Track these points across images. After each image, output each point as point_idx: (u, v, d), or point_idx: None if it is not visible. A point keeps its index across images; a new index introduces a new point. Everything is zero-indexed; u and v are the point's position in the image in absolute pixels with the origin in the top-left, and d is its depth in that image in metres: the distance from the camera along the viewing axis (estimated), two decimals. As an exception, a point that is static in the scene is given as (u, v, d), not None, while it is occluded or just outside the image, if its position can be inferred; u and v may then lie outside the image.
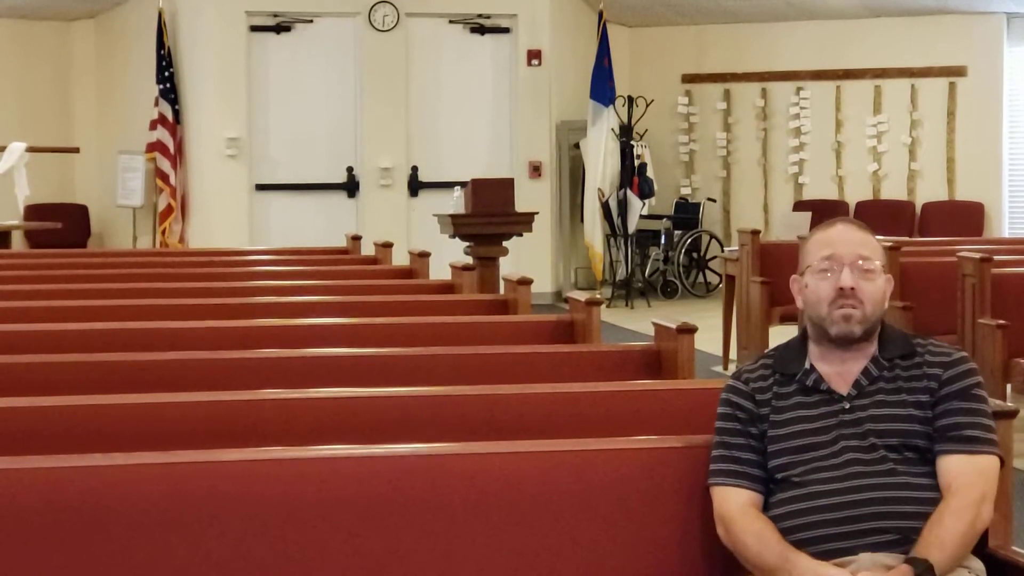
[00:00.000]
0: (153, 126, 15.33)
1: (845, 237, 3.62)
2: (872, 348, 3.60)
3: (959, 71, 16.37)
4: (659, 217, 16.60)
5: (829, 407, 3.55)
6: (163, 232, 15.28)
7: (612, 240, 16.01)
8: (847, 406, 3.53)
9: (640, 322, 13.23)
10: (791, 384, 3.61)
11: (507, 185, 10.98)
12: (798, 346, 3.67)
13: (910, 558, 3.30)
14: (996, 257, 8.65)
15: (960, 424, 3.47)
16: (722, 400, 3.67)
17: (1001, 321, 8.13)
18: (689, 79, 17.45)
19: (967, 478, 3.41)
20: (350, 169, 15.66)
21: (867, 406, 3.52)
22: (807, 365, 3.62)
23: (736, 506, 3.52)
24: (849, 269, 3.57)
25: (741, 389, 3.64)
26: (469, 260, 9.79)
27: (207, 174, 15.41)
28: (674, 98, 17.33)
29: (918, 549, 3.32)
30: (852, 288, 3.55)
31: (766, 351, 3.80)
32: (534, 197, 14.56)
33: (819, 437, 3.51)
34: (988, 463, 3.46)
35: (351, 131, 15.64)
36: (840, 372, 3.58)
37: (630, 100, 16.04)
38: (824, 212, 13.85)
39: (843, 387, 3.56)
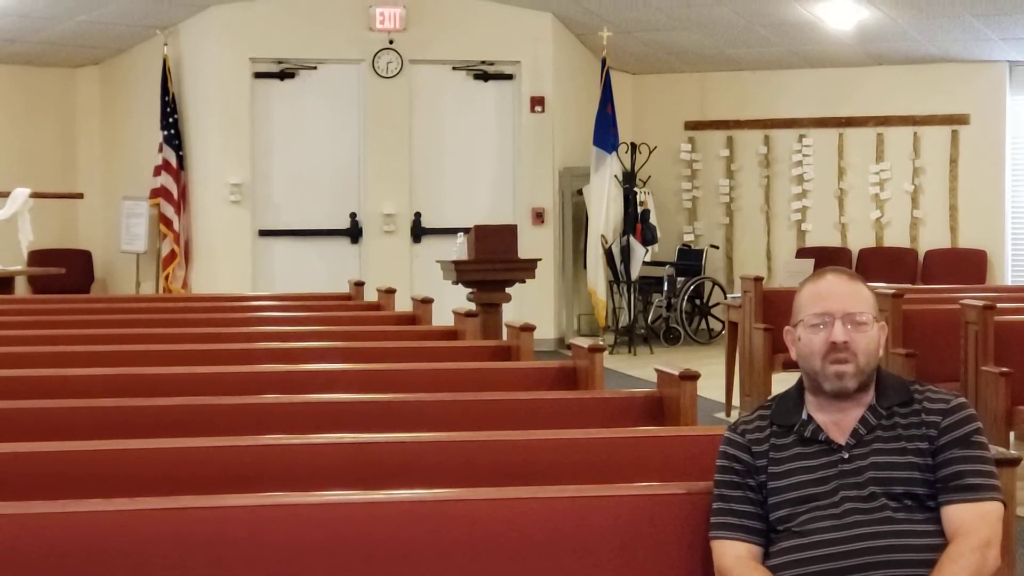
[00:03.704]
0: (157, 172, 15.37)
1: (835, 290, 3.63)
2: (869, 397, 3.60)
3: (961, 119, 16.40)
4: (662, 264, 16.61)
5: (828, 457, 3.54)
6: (166, 278, 15.29)
7: (615, 287, 16.01)
8: (846, 456, 3.53)
9: (643, 369, 13.23)
10: (789, 435, 3.60)
11: (510, 231, 10.97)
12: (795, 396, 3.68)
13: None
14: (999, 305, 8.65)
15: (962, 472, 3.46)
16: (719, 453, 3.67)
17: (1004, 369, 8.12)
18: (692, 126, 17.50)
19: (969, 524, 3.41)
20: (353, 215, 15.68)
21: (866, 455, 3.52)
22: (804, 415, 3.62)
23: (733, 559, 3.52)
24: (841, 323, 3.57)
25: (737, 441, 3.64)
26: (472, 306, 9.79)
27: (211, 220, 15.44)
28: (677, 145, 17.37)
29: None
30: (844, 342, 3.55)
31: (763, 402, 3.80)
32: (537, 243, 14.57)
33: (819, 487, 3.51)
34: (990, 508, 3.46)
35: (354, 177, 15.67)
36: (837, 422, 3.58)
37: (633, 147, 16.07)
38: (827, 259, 13.91)
39: (841, 437, 3.56)
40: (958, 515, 3.43)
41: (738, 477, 3.59)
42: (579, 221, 16.40)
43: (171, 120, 15.39)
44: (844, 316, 3.57)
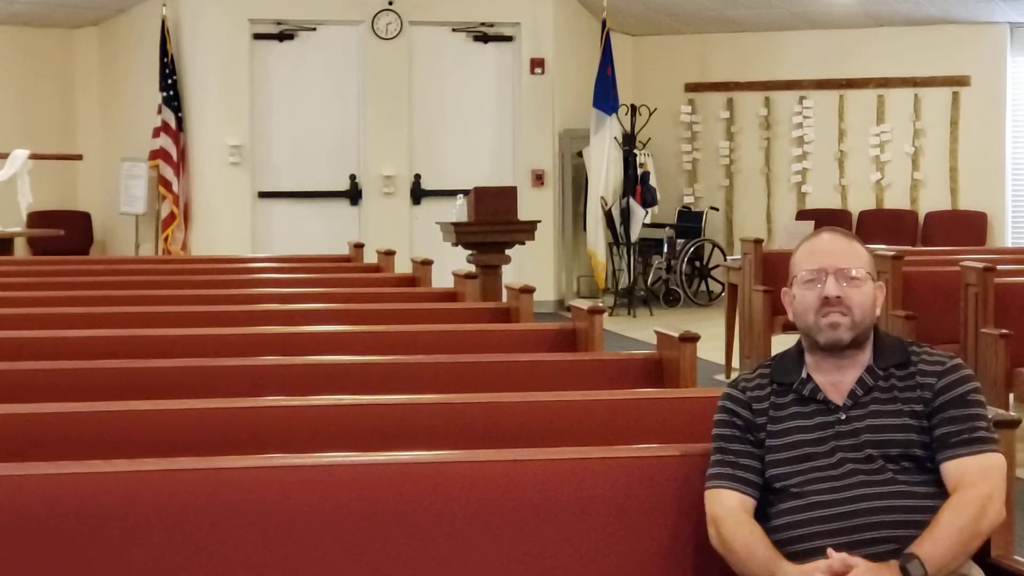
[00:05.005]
0: (156, 133, 15.34)
1: (830, 247, 3.64)
2: (866, 357, 3.59)
3: (962, 80, 16.37)
4: (662, 226, 16.59)
5: (825, 417, 3.54)
6: (166, 240, 15.28)
7: (615, 249, 16.01)
8: (843, 416, 3.53)
9: (642, 331, 13.23)
10: (788, 394, 3.60)
11: (510, 193, 10.97)
12: (795, 356, 3.67)
13: (903, 554, 3.29)
14: (999, 267, 8.65)
15: (959, 431, 3.45)
16: (719, 407, 3.67)
17: (1004, 331, 8.12)
18: (692, 88, 17.46)
19: (969, 477, 3.40)
20: (353, 177, 15.67)
21: (863, 416, 3.51)
22: (804, 375, 3.61)
23: (726, 508, 3.52)
24: (834, 278, 3.57)
25: (738, 397, 3.65)
26: (472, 268, 9.77)
27: (210, 181, 15.42)
28: (677, 107, 17.34)
29: (912, 545, 3.31)
30: (837, 297, 3.55)
31: (764, 361, 3.80)
32: (537, 205, 14.54)
33: (816, 447, 3.51)
34: (991, 461, 3.45)
35: (354, 139, 15.65)
36: (835, 382, 3.58)
37: (633, 109, 16.04)
38: (827, 221, 13.87)
39: (838, 397, 3.56)
40: (959, 468, 3.42)
41: (738, 431, 3.59)
42: (579, 183, 16.38)
43: (170, 81, 15.36)
44: (837, 272, 3.57)
